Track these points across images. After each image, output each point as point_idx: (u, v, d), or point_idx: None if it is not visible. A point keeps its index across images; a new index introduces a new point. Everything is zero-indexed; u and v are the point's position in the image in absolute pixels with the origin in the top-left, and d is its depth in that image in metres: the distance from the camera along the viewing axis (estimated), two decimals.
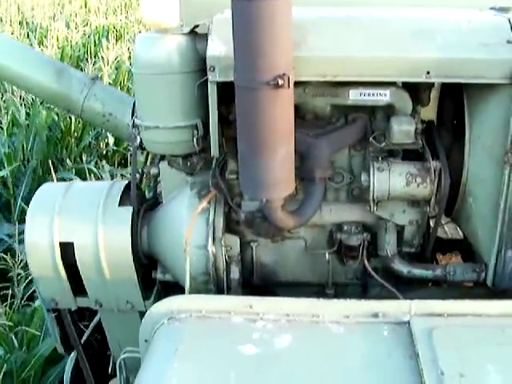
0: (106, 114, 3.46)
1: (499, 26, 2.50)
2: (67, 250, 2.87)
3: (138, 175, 3.17)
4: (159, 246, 2.94)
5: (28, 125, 7.07)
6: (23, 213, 5.33)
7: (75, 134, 7.26)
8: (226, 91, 2.48)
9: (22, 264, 4.56)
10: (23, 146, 6.77)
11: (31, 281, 4.25)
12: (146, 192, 3.66)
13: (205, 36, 2.57)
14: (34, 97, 7.68)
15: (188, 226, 2.74)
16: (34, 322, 4.23)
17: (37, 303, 4.22)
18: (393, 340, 2.16)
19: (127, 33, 12.36)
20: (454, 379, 1.94)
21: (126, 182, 3.07)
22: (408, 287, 2.93)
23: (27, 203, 4.71)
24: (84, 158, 6.96)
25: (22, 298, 4.39)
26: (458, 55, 2.45)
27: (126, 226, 2.86)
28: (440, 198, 2.67)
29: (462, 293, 2.88)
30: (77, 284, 2.97)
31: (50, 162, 6.04)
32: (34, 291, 4.17)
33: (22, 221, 5.25)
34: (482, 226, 2.70)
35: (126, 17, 13.94)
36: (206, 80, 2.50)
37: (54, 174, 4.99)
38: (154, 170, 3.04)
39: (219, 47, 2.46)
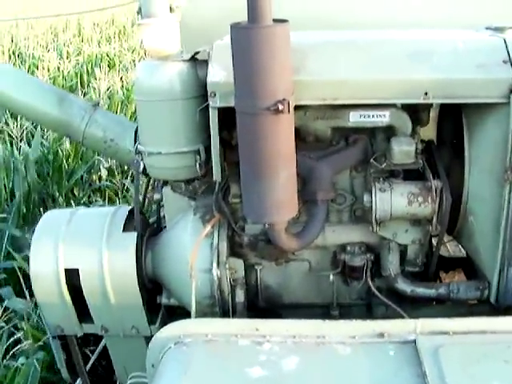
0: (107, 140, 3.48)
1: (495, 46, 2.52)
2: (72, 276, 2.88)
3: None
4: (164, 271, 2.95)
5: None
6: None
7: (66, 167, 7.18)
8: (228, 116, 2.51)
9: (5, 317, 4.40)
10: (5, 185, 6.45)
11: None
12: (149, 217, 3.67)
13: (205, 62, 2.59)
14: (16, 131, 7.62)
15: (192, 251, 2.75)
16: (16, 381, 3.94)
17: (20, 361, 3.97)
18: (399, 359, 2.17)
19: (120, 62, 12.24)
20: None
21: (130, 207, 3.08)
22: (412, 306, 2.94)
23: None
24: (76, 193, 6.85)
25: (4, 356, 4.14)
26: (455, 76, 2.47)
27: (131, 252, 2.87)
28: (442, 216, 2.68)
29: (466, 310, 2.90)
30: (82, 310, 2.98)
31: (42, 198, 5.99)
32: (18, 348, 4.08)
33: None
34: (483, 243, 2.72)
35: (120, 45, 13.82)
36: (208, 106, 2.52)
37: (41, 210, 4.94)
38: (156, 196, 3.06)
39: (219, 73, 2.48)
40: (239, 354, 2.25)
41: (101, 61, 12.26)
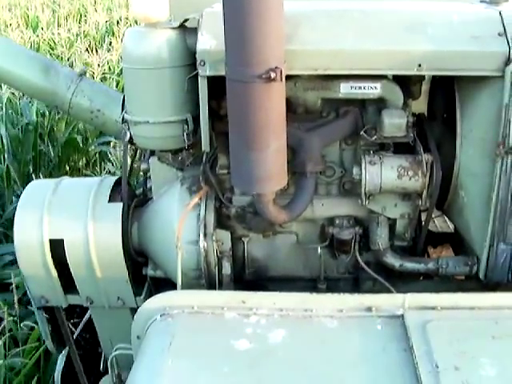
0: (93, 110, 3.44)
1: (490, 19, 2.49)
2: (57, 246, 2.85)
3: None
4: (150, 242, 2.93)
5: None
6: None
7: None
8: (217, 85, 2.47)
9: None
10: None
11: None
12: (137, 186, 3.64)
13: (195, 30, 2.55)
14: None
15: (179, 222, 2.72)
16: None
17: None
18: (387, 334, 2.16)
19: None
20: (449, 372, 1.94)
21: (116, 177, 3.05)
22: (400, 281, 2.93)
23: None
24: None
25: None
26: (449, 48, 2.44)
27: (117, 222, 2.84)
28: (432, 191, 2.67)
29: (454, 286, 2.89)
30: (67, 281, 2.95)
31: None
32: None
33: None
34: (473, 219, 2.71)
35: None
36: (197, 74, 2.48)
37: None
38: (143, 166, 3.03)
39: (209, 41, 2.44)
40: (225, 326, 2.24)
41: None
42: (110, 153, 6.71)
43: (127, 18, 13.25)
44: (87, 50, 10.86)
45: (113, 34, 12.06)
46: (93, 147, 7.04)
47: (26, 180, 5.49)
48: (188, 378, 2.02)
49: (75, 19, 13.42)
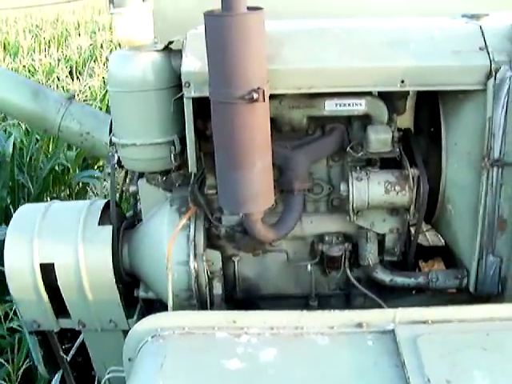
0: (83, 133, 3.45)
1: (471, 33, 2.51)
2: (48, 270, 2.84)
3: (117, 193, 3.15)
4: (141, 264, 2.92)
5: None
6: None
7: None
8: (203, 106, 2.48)
9: None
10: None
11: None
12: (128, 210, 3.63)
13: (179, 52, 2.56)
14: None
15: (168, 243, 2.72)
16: None
17: None
18: (378, 349, 2.16)
19: None
20: None
21: (106, 200, 3.05)
22: (391, 295, 2.94)
23: None
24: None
25: None
26: (432, 63, 2.46)
27: (107, 245, 2.84)
28: (419, 205, 2.68)
29: (445, 299, 2.90)
30: (59, 305, 2.94)
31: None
32: None
33: None
34: (462, 232, 2.71)
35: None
36: (182, 96, 2.49)
37: None
38: (132, 188, 3.03)
39: (194, 63, 2.45)
40: (216, 346, 2.23)
41: None
42: (94, 185, 6.69)
43: (111, 41, 13.13)
44: (68, 75, 10.75)
45: (95, 60, 11.81)
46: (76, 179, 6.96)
47: (3, 213, 5.45)
48: None
49: (57, 44, 13.24)
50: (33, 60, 11.36)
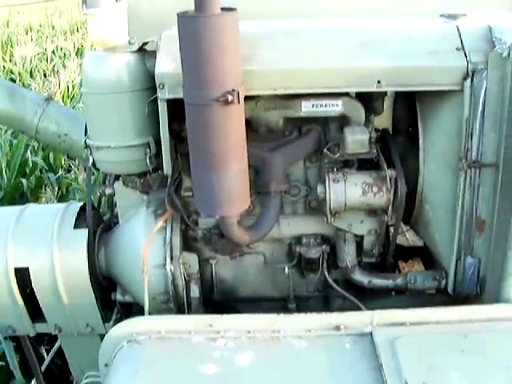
0: (61, 135, 3.42)
1: (448, 34, 2.51)
2: (23, 275, 2.81)
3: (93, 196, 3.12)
4: (117, 267, 2.90)
5: None
6: None
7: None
8: (178, 107, 2.46)
9: None
10: None
11: None
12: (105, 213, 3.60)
13: (154, 53, 2.53)
14: None
15: (144, 246, 2.70)
16: None
17: None
18: (355, 352, 2.15)
19: None
20: None
21: (82, 203, 3.02)
22: (370, 297, 2.93)
23: None
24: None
25: None
26: (408, 63, 2.45)
27: (82, 249, 2.81)
28: (397, 206, 2.66)
29: (424, 300, 2.89)
30: (34, 309, 2.91)
31: None
32: None
33: None
34: (440, 232, 2.71)
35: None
36: (157, 97, 2.47)
37: None
38: (108, 190, 2.99)
39: (168, 64, 2.43)
40: (193, 350, 2.22)
41: None
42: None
43: (62, 48, 12.40)
44: None
45: (44, 73, 11.00)
46: None
47: None
48: None
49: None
50: None
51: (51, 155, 7.33)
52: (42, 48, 12.49)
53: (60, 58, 11.95)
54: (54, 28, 14.71)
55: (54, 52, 12.47)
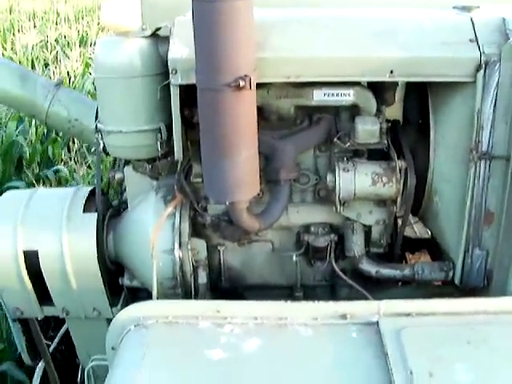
0: (71, 120, 3.42)
1: (461, 25, 2.50)
2: (31, 258, 2.82)
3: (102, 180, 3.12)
4: (126, 252, 2.91)
5: None
6: None
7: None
8: (190, 94, 2.46)
9: None
10: None
11: None
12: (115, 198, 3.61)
13: (167, 39, 2.54)
14: None
15: (154, 231, 2.71)
16: None
17: None
18: (361, 341, 2.15)
19: None
20: (423, 378, 1.93)
21: (91, 187, 3.03)
22: (377, 287, 2.93)
23: None
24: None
25: None
26: (421, 54, 2.45)
27: (91, 233, 2.82)
28: (406, 197, 2.67)
29: (431, 292, 2.90)
30: (42, 292, 2.92)
31: None
32: None
33: None
34: (448, 224, 2.71)
35: None
36: (169, 83, 2.47)
37: None
38: (118, 175, 3.00)
39: (181, 50, 2.43)
40: (200, 336, 2.21)
41: None
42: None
43: (65, 36, 12.01)
44: None
45: (45, 63, 10.66)
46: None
47: None
48: None
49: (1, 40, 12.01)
50: None
51: (50, 148, 7.25)
52: (44, 36, 12.20)
53: (64, 46, 11.69)
54: (58, 15, 14.26)
55: (57, 40, 12.18)
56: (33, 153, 7.00)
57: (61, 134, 7.23)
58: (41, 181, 6.38)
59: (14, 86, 3.37)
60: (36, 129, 7.31)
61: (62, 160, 7.19)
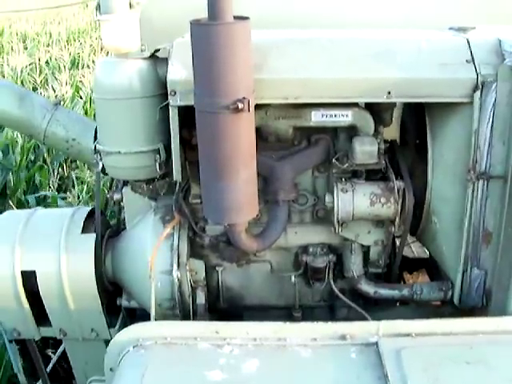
0: (69, 140, 3.42)
1: (458, 46, 2.52)
2: (29, 278, 2.81)
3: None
4: (124, 273, 2.90)
5: None
6: None
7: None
8: (189, 115, 2.47)
9: None
10: None
11: None
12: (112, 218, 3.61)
13: (166, 60, 2.55)
14: None
15: (152, 252, 2.70)
16: None
17: None
18: (361, 362, 2.14)
19: None
20: None
21: (90, 208, 3.03)
22: (376, 307, 2.93)
23: None
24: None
25: None
26: (418, 75, 2.46)
27: (89, 253, 2.82)
28: (404, 217, 2.67)
29: (430, 312, 2.89)
30: (39, 313, 2.91)
31: None
32: None
33: None
34: (446, 244, 2.71)
35: None
36: (168, 104, 2.48)
37: None
38: (116, 196, 3.00)
39: (179, 71, 2.44)
40: (199, 357, 2.21)
41: None
42: None
43: (56, 58, 11.72)
44: None
45: (33, 86, 10.35)
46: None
47: None
48: None
49: None
50: None
51: (37, 175, 7.09)
52: (35, 58, 11.96)
53: (54, 68, 11.53)
54: (51, 36, 14.07)
55: (47, 62, 11.99)
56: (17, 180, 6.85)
57: (49, 160, 7.15)
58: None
59: (12, 106, 3.38)
60: (22, 156, 7.20)
61: (48, 185, 7.02)
